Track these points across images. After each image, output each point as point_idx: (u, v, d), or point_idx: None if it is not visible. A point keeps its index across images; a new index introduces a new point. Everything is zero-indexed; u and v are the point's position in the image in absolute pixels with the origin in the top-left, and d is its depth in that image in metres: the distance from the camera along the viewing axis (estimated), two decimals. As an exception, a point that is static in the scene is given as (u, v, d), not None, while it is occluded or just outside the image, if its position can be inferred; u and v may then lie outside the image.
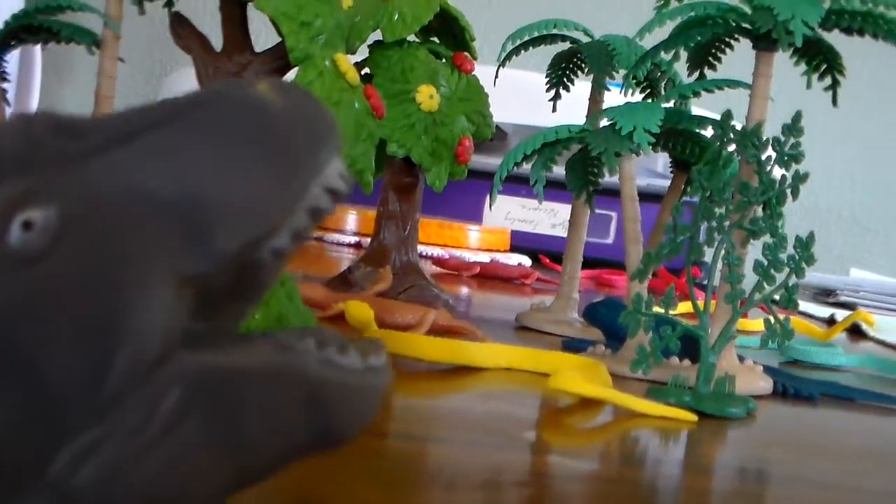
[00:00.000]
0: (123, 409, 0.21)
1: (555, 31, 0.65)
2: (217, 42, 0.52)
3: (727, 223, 0.48)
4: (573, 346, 0.58)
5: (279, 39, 0.49)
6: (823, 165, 1.80)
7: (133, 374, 0.21)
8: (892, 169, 1.86)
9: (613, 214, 1.34)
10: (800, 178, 0.47)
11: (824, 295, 1.30)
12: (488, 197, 0.57)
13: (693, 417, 0.44)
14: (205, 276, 0.22)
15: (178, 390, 0.21)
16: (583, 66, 0.67)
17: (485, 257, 1.11)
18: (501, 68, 0.67)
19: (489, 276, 1.02)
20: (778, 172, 0.48)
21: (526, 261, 1.19)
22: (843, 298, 1.25)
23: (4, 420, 0.20)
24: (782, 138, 0.47)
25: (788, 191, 0.47)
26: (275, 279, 0.25)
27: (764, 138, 0.48)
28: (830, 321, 1.01)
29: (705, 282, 0.80)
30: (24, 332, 0.20)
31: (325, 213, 0.24)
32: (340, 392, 0.24)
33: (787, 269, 0.47)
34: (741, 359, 0.54)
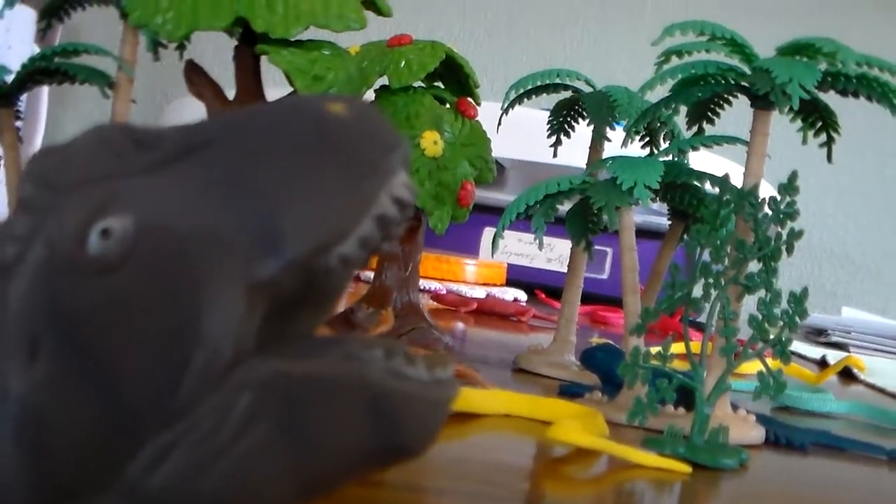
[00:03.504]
0: (197, 414, 0.21)
1: (557, 81, 0.66)
2: (225, 87, 0.54)
3: (723, 279, 0.49)
4: (570, 391, 0.59)
5: (290, 89, 0.50)
6: (816, 202, 1.82)
7: (206, 379, 0.21)
8: (885, 206, 1.88)
9: (609, 250, 1.35)
10: (794, 236, 0.48)
11: (816, 334, 1.31)
12: (490, 241, 0.59)
13: (687, 468, 0.45)
14: (274, 282, 0.22)
15: (249, 395, 0.22)
16: (584, 114, 0.68)
17: (481, 292, 1.12)
18: (504, 116, 0.68)
19: (486, 313, 1.03)
20: (773, 229, 0.49)
21: (522, 295, 1.20)
22: (834, 339, 1.27)
23: (85, 424, 0.21)
24: (778, 197, 0.48)
25: (783, 247, 0.49)
26: (344, 287, 0.26)
27: (760, 197, 0.49)
28: (822, 363, 1.02)
29: (696, 320, 0.81)
30: (102, 339, 0.21)
31: (392, 222, 0.24)
32: (407, 403, 0.24)
33: (780, 323, 0.49)
34: (734, 407, 0.55)
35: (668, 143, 0.66)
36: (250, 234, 0.22)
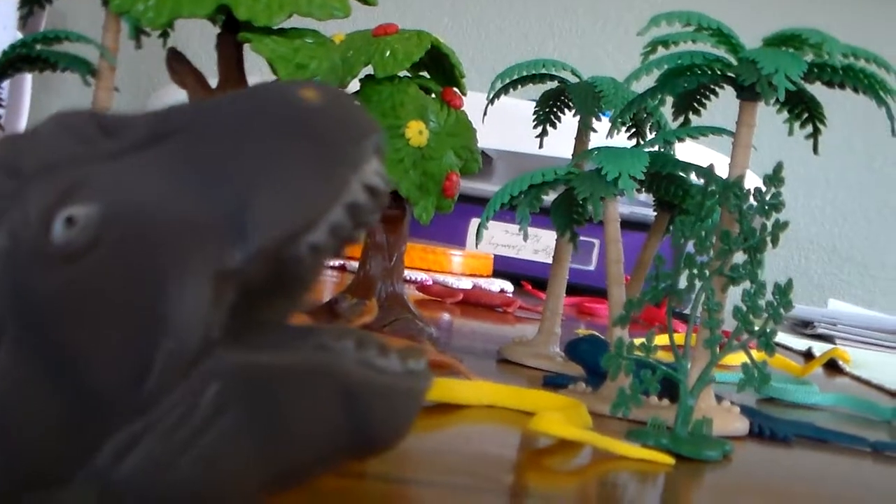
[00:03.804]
0: (164, 404, 0.21)
1: (543, 71, 0.66)
2: (210, 75, 0.53)
3: (708, 270, 0.49)
4: (554, 382, 0.59)
5: (274, 77, 0.50)
6: (804, 194, 1.82)
7: (173, 370, 0.21)
8: (872, 198, 1.88)
9: (596, 242, 1.35)
10: (779, 227, 0.48)
11: (802, 326, 1.32)
12: (475, 232, 0.58)
13: (670, 460, 0.45)
14: (243, 271, 0.22)
15: (216, 386, 0.21)
16: (570, 104, 0.68)
17: (468, 283, 1.12)
18: (490, 106, 0.68)
19: (472, 304, 1.02)
20: (758, 221, 0.49)
21: (508, 286, 1.19)
22: (820, 331, 1.27)
23: (51, 414, 0.21)
24: (763, 188, 0.48)
25: (769, 238, 0.49)
26: (316, 276, 0.25)
27: (746, 188, 0.49)
28: (808, 355, 1.03)
29: (682, 311, 0.81)
30: (68, 328, 0.21)
31: (364, 210, 0.23)
32: (379, 394, 0.24)
33: (765, 315, 0.48)
34: (719, 399, 0.55)
35: (654, 133, 0.66)
36: (218, 223, 0.22)
